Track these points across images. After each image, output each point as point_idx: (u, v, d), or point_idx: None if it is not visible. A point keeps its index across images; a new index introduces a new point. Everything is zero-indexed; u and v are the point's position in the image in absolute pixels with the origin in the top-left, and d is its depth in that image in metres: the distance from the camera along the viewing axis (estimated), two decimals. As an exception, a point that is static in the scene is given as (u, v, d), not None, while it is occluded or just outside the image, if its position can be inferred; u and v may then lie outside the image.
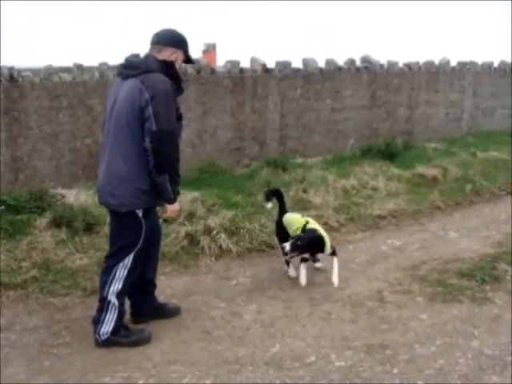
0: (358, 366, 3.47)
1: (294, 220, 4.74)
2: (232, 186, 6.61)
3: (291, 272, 4.86)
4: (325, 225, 5.69)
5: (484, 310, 4.25)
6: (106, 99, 3.70)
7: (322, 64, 9.01)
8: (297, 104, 8.64)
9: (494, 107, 11.74)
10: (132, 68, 3.50)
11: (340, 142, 9.18)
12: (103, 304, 3.64)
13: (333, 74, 9.06)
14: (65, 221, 5.14)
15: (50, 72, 6.77)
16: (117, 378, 3.33)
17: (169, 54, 3.58)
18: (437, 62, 10.63)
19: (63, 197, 5.68)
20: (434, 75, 10.51)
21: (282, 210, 5.01)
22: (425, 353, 3.62)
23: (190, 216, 5.58)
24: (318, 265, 4.94)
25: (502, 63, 11.72)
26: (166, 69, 3.50)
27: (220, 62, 9.61)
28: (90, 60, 8.80)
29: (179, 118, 3.67)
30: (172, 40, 3.62)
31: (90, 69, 7.14)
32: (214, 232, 5.36)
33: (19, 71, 6.53)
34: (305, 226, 4.58)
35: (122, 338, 3.68)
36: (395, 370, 3.42)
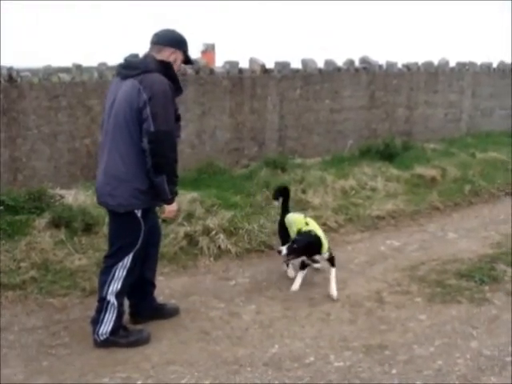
0: (357, 366, 3.47)
1: (296, 221, 4.72)
2: (231, 187, 6.61)
3: (290, 272, 4.86)
4: (323, 225, 5.70)
5: (483, 310, 4.26)
6: (105, 99, 3.70)
7: (321, 64, 9.01)
8: (296, 104, 8.65)
9: (493, 108, 11.74)
10: (131, 68, 3.50)
11: (339, 142, 9.19)
12: (102, 304, 3.64)
13: (332, 75, 9.06)
14: (64, 221, 5.14)
15: (48, 72, 6.77)
16: (115, 379, 3.33)
17: (168, 55, 3.57)
18: (436, 62, 10.64)
19: (62, 197, 5.67)
20: (432, 76, 10.52)
21: (285, 210, 5.00)
22: (423, 353, 3.63)
23: (189, 216, 5.58)
24: (316, 265, 4.94)
25: (501, 64, 11.73)
26: (164, 69, 3.50)
27: (219, 62, 9.63)
28: (91, 60, 8.81)
29: (177, 118, 3.67)
30: (172, 40, 3.62)
31: (88, 69, 7.14)
32: (213, 232, 5.35)
33: (18, 71, 6.53)
34: (300, 229, 4.56)
35: (120, 338, 3.68)
36: (394, 371, 3.42)
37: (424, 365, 3.48)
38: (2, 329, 3.90)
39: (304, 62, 8.81)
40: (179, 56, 3.64)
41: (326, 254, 4.51)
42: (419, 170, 7.87)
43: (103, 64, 7.16)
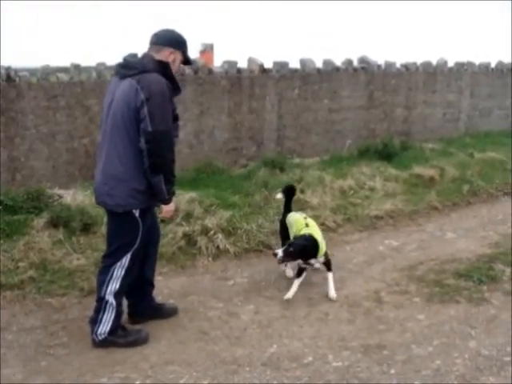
0: (356, 366, 3.47)
1: (296, 222, 4.68)
2: (229, 187, 6.61)
3: (288, 272, 4.86)
4: (322, 225, 5.70)
5: (481, 310, 4.26)
6: (104, 99, 3.70)
7: (319, 64, 9.01)
8: (294, 104, 8.64)
9: (492, 108, 11.75)
10: (129, 68, 3.50)
11: (337, 142, 9.19)
12: (101, 304, 3.63)
13: (330, 75, 9.06)
14: (62, 221, 5.14)
15: (47, 72, 6.76)
16: (114, 379, 3.33)
17: (167, 55, 3.57)
18: (434, 62, 10.64)
19: (60, 197, 5.67)
20: (431, 76, 10.52)
21: (287, 209, 5.00)
22: (422, 353, 3.63)
23: (188, 216, 5.58)
24: (315, 265, 4.93)
25: (499, 64, 11.73)
26: (162, 69, 3.49)
27: (217, 62, 9.60)
28: (91, 60, 8.80)
29: (175, 118, 3.67)
30: (171, 41, 3.61)
31: (87, 69, 7.13)
32: (212, 232, 5.35)
33: (16, 71, 6.52)
34: (299, 230, 4.55)
35: (119, 338, 3.68)
36: (392, 371, 3.42)
37: (422, 365, 3.49)
38: (1, 329, 3.90)
39: (302, 62, 8.81)
40: (178, 56, 3.63)
41: (321, 259, 4.48)
42: (417, 169, 7.88)
43: (102, 64, 7.15)
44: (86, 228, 5.21)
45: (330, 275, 4.53)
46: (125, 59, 3.60)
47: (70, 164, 6.88)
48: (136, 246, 3.60)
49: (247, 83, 8.10)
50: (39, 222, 5.12)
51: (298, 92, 8.65)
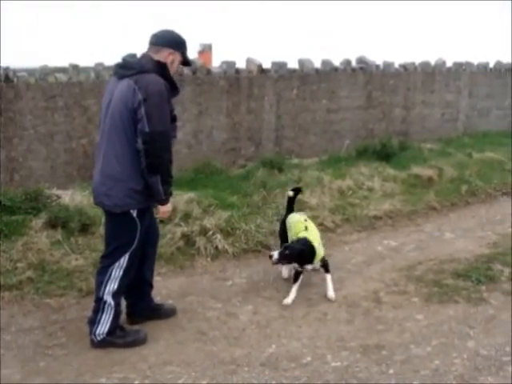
0: (354, 366, 3.47)
1: (296, 225, 4.65)
2: (228, 187, 6.61)
3: (284, 272, 4.83)
4: (320, 225, 5.70)
5: (479, 310, 4.26)
6: (102, 99, 3.70)
7: (317, 64, 9.02)
8: (293, 104, 8.65)
9: (490, 108, 11.77)
10: (127, 68, 3.49)
11: (336, 142, 9.19)
12: (99, 304, 3.63)
13: (329, 75, 9.06)
14: (60, 221, 5.13)
15: (45, 72, 6.75)
16: (112, 379, 3.33)
17: (166, 55, 3.57)
18: (432, 62, 10.65)
19: (58, 197, 5.66)
20: (429, 76, 10.53)
21: (289, 210, 4.99)
22: (421, 353, 3.63)
23: (186, 217, 5.57)
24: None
25: (498, 64, 11.75)
26: (160, 69, 3.49)
27: (216, 62, 9.60)
28: (90, 60, 8.79)
29: (173, 119, 3.67)
30: (170, 41, 3.60)
31: (85, 69, 7.12)
32: (210, 233, 5.35)
33: (15, 71, 6.51)
34: (297, 233, 4.53)
35: (117, 338, 3.68)
36: (391, 371, 3.42)
37: (421, 365, 3.49)
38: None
39: (301, 62, 8.82)
40: (177, 57, 3.63)
41: (317, 264, 4.45)
42: (416, 170, 7.88)
43: (100, 64, 7.14)
44: (85, 228, 5.21)
45: (329, 276, 4.52)
46: (123, 59, 3.61)
47: (68, 164, 6.87)
48: (134, 246, 3.60)
49: (245, 83, 8.10)
50: (37, 222, 5.11)
51: (296, 92, 8.65)
